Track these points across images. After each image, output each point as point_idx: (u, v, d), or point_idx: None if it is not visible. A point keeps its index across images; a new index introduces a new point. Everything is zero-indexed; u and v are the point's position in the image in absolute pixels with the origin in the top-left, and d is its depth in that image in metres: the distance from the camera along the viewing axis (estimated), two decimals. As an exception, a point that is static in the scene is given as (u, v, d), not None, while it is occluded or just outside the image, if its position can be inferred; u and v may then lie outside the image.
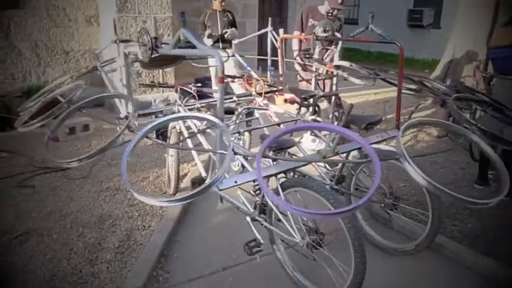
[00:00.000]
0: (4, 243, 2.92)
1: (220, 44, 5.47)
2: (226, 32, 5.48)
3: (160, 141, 2.51)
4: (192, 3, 7.03)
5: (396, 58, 12.48)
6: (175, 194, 3.61)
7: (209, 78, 6.12)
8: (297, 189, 2.38)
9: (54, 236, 3.04)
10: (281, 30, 4.29)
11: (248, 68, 4.26)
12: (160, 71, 5.98)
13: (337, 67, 4.22)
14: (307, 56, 3.89)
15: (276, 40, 4.38)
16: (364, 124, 2.91)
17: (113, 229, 3.15)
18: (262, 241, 2.53)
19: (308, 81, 4.84)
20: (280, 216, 2.45)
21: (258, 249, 2.52)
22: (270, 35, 4.32)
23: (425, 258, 2.91)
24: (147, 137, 2.09)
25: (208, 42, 5.59)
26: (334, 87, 4.46)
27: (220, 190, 2.19)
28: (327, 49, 4.55)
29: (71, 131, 5.05)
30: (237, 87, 5.22)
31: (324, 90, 4.70)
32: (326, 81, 4.67)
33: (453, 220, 3.45)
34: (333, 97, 4.46)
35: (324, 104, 4.97)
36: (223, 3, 5.62)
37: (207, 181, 1.86)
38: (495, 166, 1.99)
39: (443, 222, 3.36)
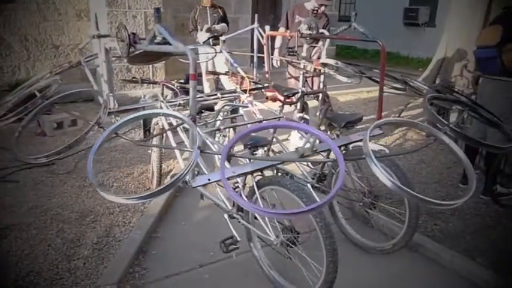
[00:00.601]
0: (-18, 238, 2.92)
1: (211, 40, 5.44)
2: (214, 28, 5.46)
3: (127, 138, 2.49)
4: (184, -2, 7.00)
5: (392, 57, 12.42)
6: (158, 190, 3.61)
7: (200, 75, 6.10)
8: (273, 187, 2.38)
9: (33, 231, 3.03)
10: (267, 27, 4.27)
11: (235, 65, 4.25)
12: (150, 67, 5.96)
13: (324, 65, 4.21)
14: (291, 53, 3.88)
15: (262, 37, 4.36)
16: (344, 122, 2.90)
17: (93, 225, 3.14)
18: (238, 239, 2.52)
19: (297, 78, 4.83)
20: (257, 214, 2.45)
21: (234, 246, 2.51)
22: (256, 32, 4.31)
23: (403, 257, 2.92)
24: (116, 134, 2.08)
25: (203, 37, 5.54)
26: (321, 85, 4.45)
27: (193, 187, 2.19)
28: (314, 46, 4.55)
29: (59, 126, 5.03)
30: (228, 84, 5.20)
31: (312, 88, 4.69)
32: (314, 78, 4.66)
33: (435, 219, 3.45)
34: (321, 94, 4.46)
35: (313, 102, 4.97)
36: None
37: (170, 179, 1.85)
38: (463, 166, 1.99)
39: (419, 221, 3.39)
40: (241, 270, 2.71)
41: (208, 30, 5.52)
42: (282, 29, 4.66)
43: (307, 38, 3.79)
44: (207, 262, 2.80)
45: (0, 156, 4.29)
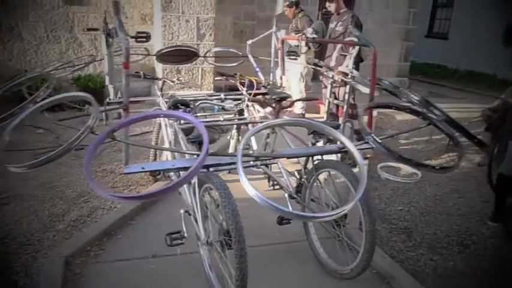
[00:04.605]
0: (-10, 202, 3.33)
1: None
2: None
3: (49, 116, 2.62)
4: (244, 6, 7.18)
5: (486, 78, 11.17)
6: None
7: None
8: (207, 185, 2.33)
9: (32, 202, 3.37)
10: (282, 31, 4.19)
11: (257, 69, 4.25)
12: (200, 70, 6.21)
13: (346, 74, 3.98)
14: (292, 56, 3.74)
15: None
16: (313, 129, 2.68)
17: (82, 205, 3.38)
18: (185, 235, 2.51)
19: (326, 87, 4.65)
20: (198, 211, 2.43)
21: (180, 242, 2.51)
22: (273, 36, 4.25)
23: (369, 286, 2.62)
24: (42, 112, 2.23)
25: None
26: (346, 96, 4.20)
27: (123, 174, 2.26)
28: (345, 55, 4.34)
29: (119, 116, 5.49)
30: None
31: (337, 98, 4.47)
32: (341, 88, 4.42)
33: (434, 254, 3.04)
34: (345, 106, 4.21)
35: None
36: (286, 12, 5.73)
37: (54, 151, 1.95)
38: (359, 169, 1.72)
39: (413, 254, 3.02)
40: (187, 267, 2.69)
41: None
42: None
43: (313, 43, 3.63)
44: (162, 254, 2.82)
45: (46, 138, 4.84)
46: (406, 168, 4.68)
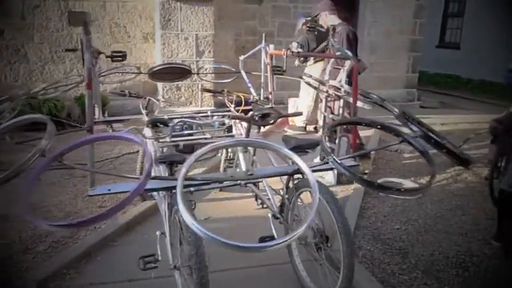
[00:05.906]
0: (-26, 223, 3.32)
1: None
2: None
3: (9, 139, 2.60)
4: (245, 22, 7.18)
5: (497, 88, 10.91)
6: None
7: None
8: (176, 207, 2.24)
9: (16, 223, 3.34)
10: (271, 46, 4.12)
11: (249, 85, 4.19)
12: (199, 87, 6.19)
13: (338, 88, 3.88)
14: (278, 72, 3.66)
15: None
16: (291, 146, 2.57)
17: (66, 225, 3.34)
18: (159, 258, 2.44)
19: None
20: (167, 234, 2.35)
21: (153, 265, 2.44)
22: (263, 51, 4.19)
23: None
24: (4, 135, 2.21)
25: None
26: (341, 110, 4.08)
27: (89, 196, 2.20)
28: (338, 69, 4.24)
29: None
30: None
31: (333, 112, 4.35)
32: (336, 102, 4.31)
33: (430, 278, 2.86)
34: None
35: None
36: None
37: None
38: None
39: (407, 277, 2.84)
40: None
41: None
42: None
43: (300, 58, 3.56)
44: (139, 278, 2.74)
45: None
46: (407, 184, 4.53)
